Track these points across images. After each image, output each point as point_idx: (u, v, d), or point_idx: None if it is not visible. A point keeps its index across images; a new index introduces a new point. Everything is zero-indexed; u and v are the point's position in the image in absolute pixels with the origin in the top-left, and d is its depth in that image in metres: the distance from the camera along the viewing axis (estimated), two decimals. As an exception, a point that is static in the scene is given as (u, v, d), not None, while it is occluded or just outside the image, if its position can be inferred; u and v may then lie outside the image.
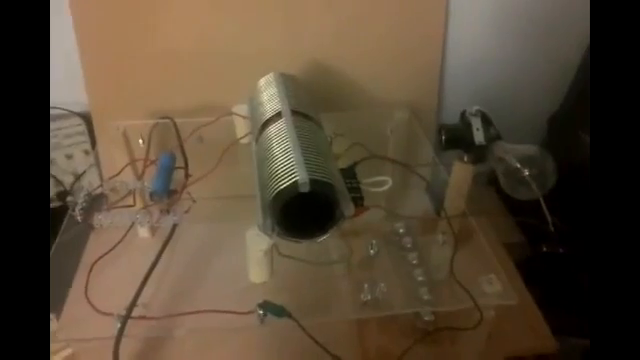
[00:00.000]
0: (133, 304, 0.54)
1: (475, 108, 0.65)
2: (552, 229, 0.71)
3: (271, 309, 0.53)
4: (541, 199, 0.66)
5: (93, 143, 0.91)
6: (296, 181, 0.50)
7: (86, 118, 0.90)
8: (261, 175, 0.57)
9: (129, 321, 0.54)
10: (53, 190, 0.89)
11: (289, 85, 0.70)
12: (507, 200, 1.03)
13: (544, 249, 0.94)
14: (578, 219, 0.92)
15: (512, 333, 0.76)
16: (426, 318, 0.74)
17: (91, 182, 0.83)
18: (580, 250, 0.94)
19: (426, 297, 0.69)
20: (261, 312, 0.53)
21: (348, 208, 0.53)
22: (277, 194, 0.51)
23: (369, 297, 0.59)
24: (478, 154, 0.66)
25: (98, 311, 0.53)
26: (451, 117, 0.79)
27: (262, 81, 0.73)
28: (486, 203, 1.02)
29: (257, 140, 0.63)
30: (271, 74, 0.73)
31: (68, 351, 0.61)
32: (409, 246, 0.78)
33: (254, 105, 0.69)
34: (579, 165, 0.93)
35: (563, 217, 0.82)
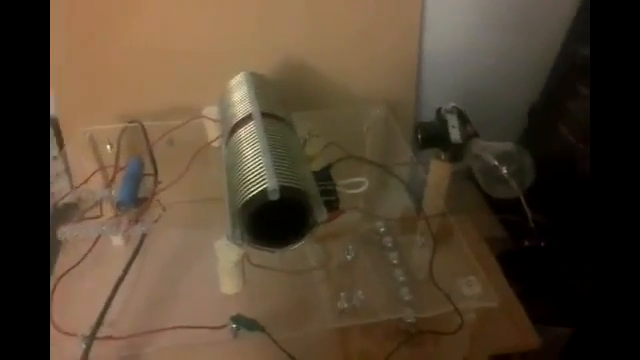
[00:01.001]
0: (98, 324, 0.52)
1: (451, 105, 0.63)
2: (532, 225, 0.70)
3: (244, 323, 0.51)
4: (521, 196, 0.64)
5: (61, 148, 0.88)
6: (265, 189, 0.48)
7: (53, 122, 0.87)
8: (230, 181, 0.55)
9: (96, 342, 0.51)
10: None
11: (259, 85, 0.67)
12: (488, 195, 1.02)
13: (526, 243, 0.93)
14: (559, 211, 0.92)
15: (496, 331, 0.75)
16: (408, 320, 0.73)
17: (61, 190, 0.80)
18: (561, 243, 0.94)
19: (407, 298, 0.68)
20: (234, 326, 0.51)
21: (321, 214, 0.52)
22: (246, 202, 0.49)
23: (346, 305, 0.57)
24: (455, 152, 0.64)
25: (61, 331, 0.50)
26: (430, 112, 0.77)
27: (232, 82, 0.70)
28: (467, 199, 1.01)
29: (227, 143, 0.61)
30: (241, 74, 0.70)
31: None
32: (390, 245, 0.77)
33: (224, 107, 0.67)
34: (559, 157, 0.93)
35: (544, 209, 0.81)
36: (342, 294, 0.57)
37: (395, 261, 0.74)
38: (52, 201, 0.68)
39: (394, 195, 0.84)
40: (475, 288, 0.56)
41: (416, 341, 0.71)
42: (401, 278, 0.71)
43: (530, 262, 0.94)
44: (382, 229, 0.80)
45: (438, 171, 0.66)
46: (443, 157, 0.65)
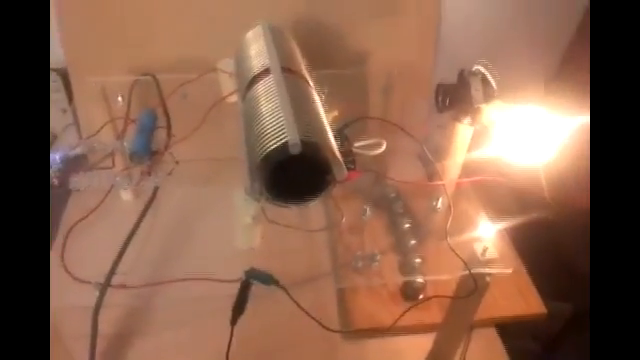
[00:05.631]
0: (112, 272, 0.51)
1: (475, 67, 0.62)
2: (547, 197, 0.69)
3: (258, 277, 0.50)
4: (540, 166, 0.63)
5: (70, 101, 0.86)
6: (286, 142, 0.46)
7: (62, 74, 0.85)
8: (248, 136, 0.53)
9: (109, 290, 0.51)
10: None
11: (278, 39, 0.65)
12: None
13: (534, 215, 0.93)
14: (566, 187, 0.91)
15: (502, 299, 0.75)
16: (419, 280, 0.72)
17: (71, 143, 0.79)
18: (567, 217, 0.93)
19: (417, 262, 0.67)
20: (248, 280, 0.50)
21: (340, 172, 0.51)
22: (266, 156, 0.47)
23: (360, 264, 0.57)
24: (476, 115, 0.63)
25: (75, 279, 0.50)
26: (443, 76, 0.75)
27: (249, 34, 0.68)
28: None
29: (244, 98, 0.59)
30: (259, 26, 0.68)
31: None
32: (400, 211, 0.76)
33: (240, 60, 0.65)
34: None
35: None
36: (358, 253, 0.57)
37: (406, 226, 0.74)
38: (62, 152, 0.67)
39: (406, 160, 0.83)
40: (490, 254, 0.55)
41: (422, 305, 0.71)
42: (412, 242, 0.71)
43: (536, 235, 0.93)
44: (392, 195, 0.80)
45: (460, 135, 0.64)
46: (464, 120, 0.64)
